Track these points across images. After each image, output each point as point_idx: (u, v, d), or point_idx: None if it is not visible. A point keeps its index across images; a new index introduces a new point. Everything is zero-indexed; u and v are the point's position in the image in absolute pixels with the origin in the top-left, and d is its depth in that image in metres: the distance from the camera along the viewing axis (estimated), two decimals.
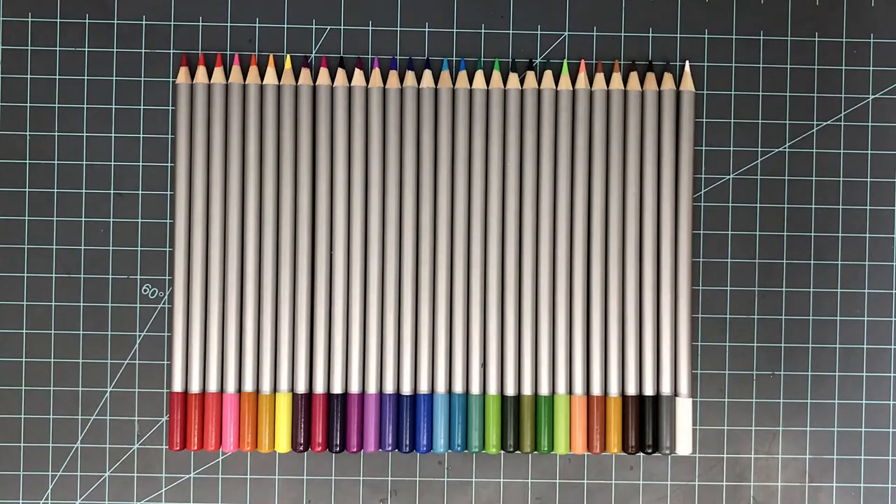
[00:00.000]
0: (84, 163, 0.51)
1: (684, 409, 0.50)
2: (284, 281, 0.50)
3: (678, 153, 0.51)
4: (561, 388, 0.50)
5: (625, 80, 0.51)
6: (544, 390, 0.50)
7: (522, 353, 0.50)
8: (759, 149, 0.52)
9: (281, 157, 0.50)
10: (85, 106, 0.51)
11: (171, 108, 0.51)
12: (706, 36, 0.52)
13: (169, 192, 0.51)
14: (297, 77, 0.51)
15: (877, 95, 0.52)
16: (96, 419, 0.51)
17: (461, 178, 0.50)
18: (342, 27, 0.52)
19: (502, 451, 0.51)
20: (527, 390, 0.50)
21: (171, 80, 0.51)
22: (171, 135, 0.51)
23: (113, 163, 0.51)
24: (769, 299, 0.52)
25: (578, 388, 0.50)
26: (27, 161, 0.51)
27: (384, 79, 0.51)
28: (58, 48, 0.51)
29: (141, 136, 0.51)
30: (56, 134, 0.51)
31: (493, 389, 0.50)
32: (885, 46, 0.53)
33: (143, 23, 0.51)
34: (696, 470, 0.52)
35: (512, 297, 0.50)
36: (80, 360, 0.51)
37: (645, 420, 0.50)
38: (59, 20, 0.51)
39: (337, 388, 0.50)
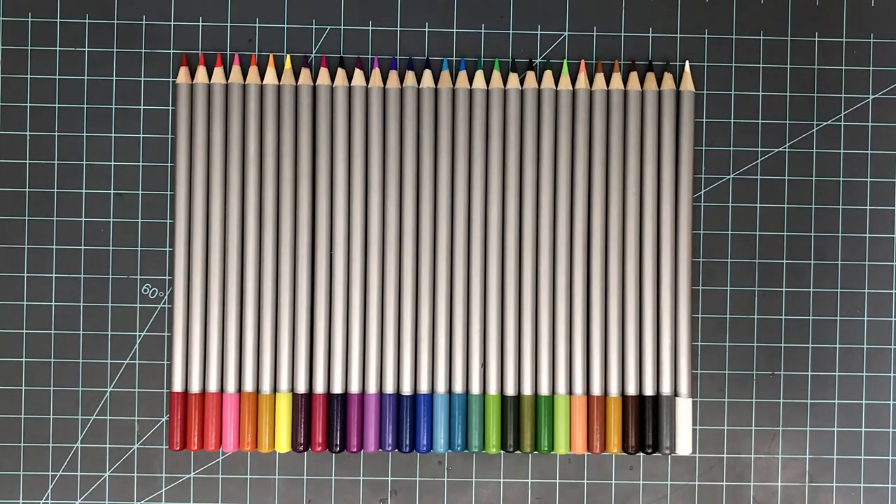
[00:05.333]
0: (84, 163, 0.51)
1: (684, 409, 0.50)
2: (284, 281, 0.50)
3: (678, 153, 0.51)
4: (561, 388, 0.50)
5: (625, 80, 0.51)
6: (544, 390, 0.50)
7: (522, 353, 0.50)
8: (759, 149, 0.52)
9: (281, 157, 0.50)
10: (85, 106, 0.51)
11: (171, 108, 0.51)
12: (706, 36, 0.52)
13: (169, 192, 0.51)
14: (297, 77, 0.51)
15: (877, 95, 0.52)
16: (96, 419, 0.51)
17: (461, 178, 0.50)
18: (342, 27, 0.52)
19: (502, 451, 0.51)
20: (527, 390, 0.50)
21: (171, 80, 0.51)
22: (171, 135, 0.51)
23: (113, 163, 0.51)
24: (769, 299, 0.52)
25: (578, 388, 0.50)
26: (27, 161, 0.51)
27: (384, 79, 0.51)
28: (58, 48, 0.51)
29: (141, 136, 0.51)
30: (56, 134, 0.51)
31: (493, 389, 0.50)
32: (885, 46, 0.53)
33: (143, 23, 0.51)
34: (696, 470, 0.52)
35: (512, 297, 0.50)
36: (80, 360, 0.51)
37: (645, 420, 0.50)
38: (59, 20, 0.51)
39: (337, 388, 0.50)
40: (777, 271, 0.52)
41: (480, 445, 0.50)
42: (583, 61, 0.51)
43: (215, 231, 0.50)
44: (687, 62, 0.52)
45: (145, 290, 0.51)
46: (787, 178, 0.52)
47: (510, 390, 0.50)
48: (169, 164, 0.51)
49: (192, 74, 0.50)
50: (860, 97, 0.52)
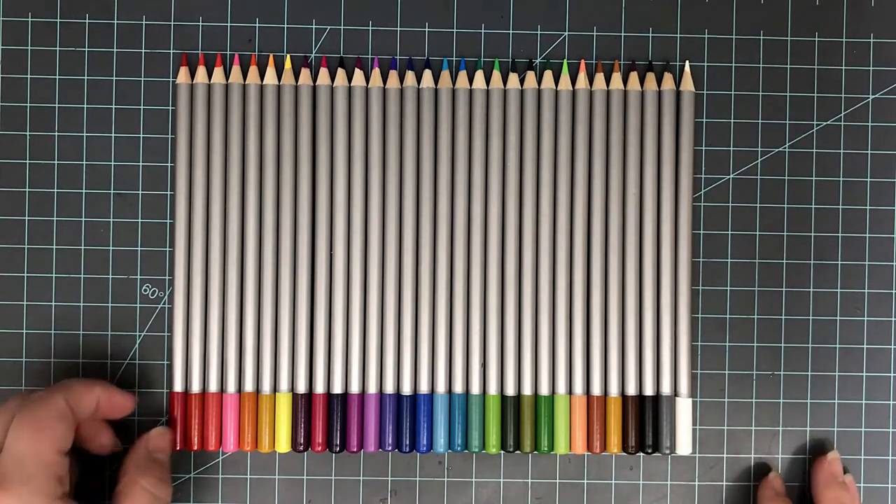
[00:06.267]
0: (84, 163, 0.51)
1: (684, 409, 0.51)
2: (284, 281, 0.50)
3: (678, 153, 0.51)
4: (561, 388, 0.50)
5: (625, 80, 0.51)
6: (544, 390, 0.50)
7: (522, 353, 0.50)
8: (759, 149, 0.52)
9: (281, 157, 0.50)
10: (85, 106, 0.51)
11: (171, 108, 0.51)
12: (706, 36, 0.52)
13: (169, 192, 0.51)
14: (297, 77, 0.51)
15: (877, 95, 0.52)
16: None
17: (461, 178, 0.50)
18: (342, 27, 0.52)
19: (502, 451, 0.51)
20: (527, 390, 0.50)
21: (171, 80, 0.51)
22: (171, 135, 0.51)
23: (113, 163, 0.51)
24: (769, 299, 0.52)
25: (578, 388, 0.50)
26: (27, 161, 0.51)
27: (384, 79, 0.51)
28: (58, 48, 0.51)
29: (141, 136, 0.51)
30: (56, 134, 0.51)
31: (493, 389, 0.50)
32: (885, 46, 0.53)
33: (143, 23, 0.51)
34: (696, 470, 0.52)
35: (512, 297, 0.50)
36: (80, 359, 0.51)
37: (645, 420, 0.50)
38: (59, 20, 0.51)
39: (337, 388, 0.50)
40: (777, 271, 0.52)
41: (480, 445, 0.50)
42: (583, 61, 0.51)
43: (215, 231, 0.50)
44: (687, 62, 0.52)
45: (145, 290, 0.51)
46: (787, 178, 0.52)
47: (510, 390, 0.50)
48: (169, 164, 0.51)
49: (192, 74, 0.50)
50: (860, 97, 0.52)
